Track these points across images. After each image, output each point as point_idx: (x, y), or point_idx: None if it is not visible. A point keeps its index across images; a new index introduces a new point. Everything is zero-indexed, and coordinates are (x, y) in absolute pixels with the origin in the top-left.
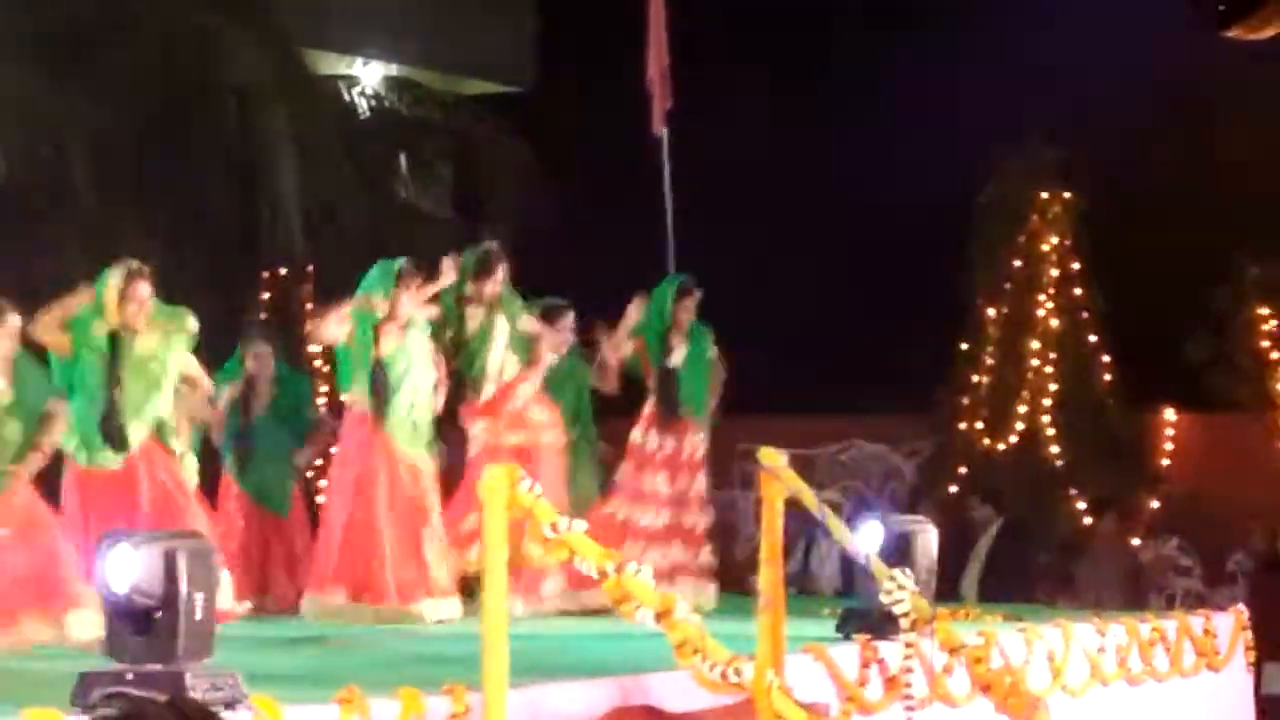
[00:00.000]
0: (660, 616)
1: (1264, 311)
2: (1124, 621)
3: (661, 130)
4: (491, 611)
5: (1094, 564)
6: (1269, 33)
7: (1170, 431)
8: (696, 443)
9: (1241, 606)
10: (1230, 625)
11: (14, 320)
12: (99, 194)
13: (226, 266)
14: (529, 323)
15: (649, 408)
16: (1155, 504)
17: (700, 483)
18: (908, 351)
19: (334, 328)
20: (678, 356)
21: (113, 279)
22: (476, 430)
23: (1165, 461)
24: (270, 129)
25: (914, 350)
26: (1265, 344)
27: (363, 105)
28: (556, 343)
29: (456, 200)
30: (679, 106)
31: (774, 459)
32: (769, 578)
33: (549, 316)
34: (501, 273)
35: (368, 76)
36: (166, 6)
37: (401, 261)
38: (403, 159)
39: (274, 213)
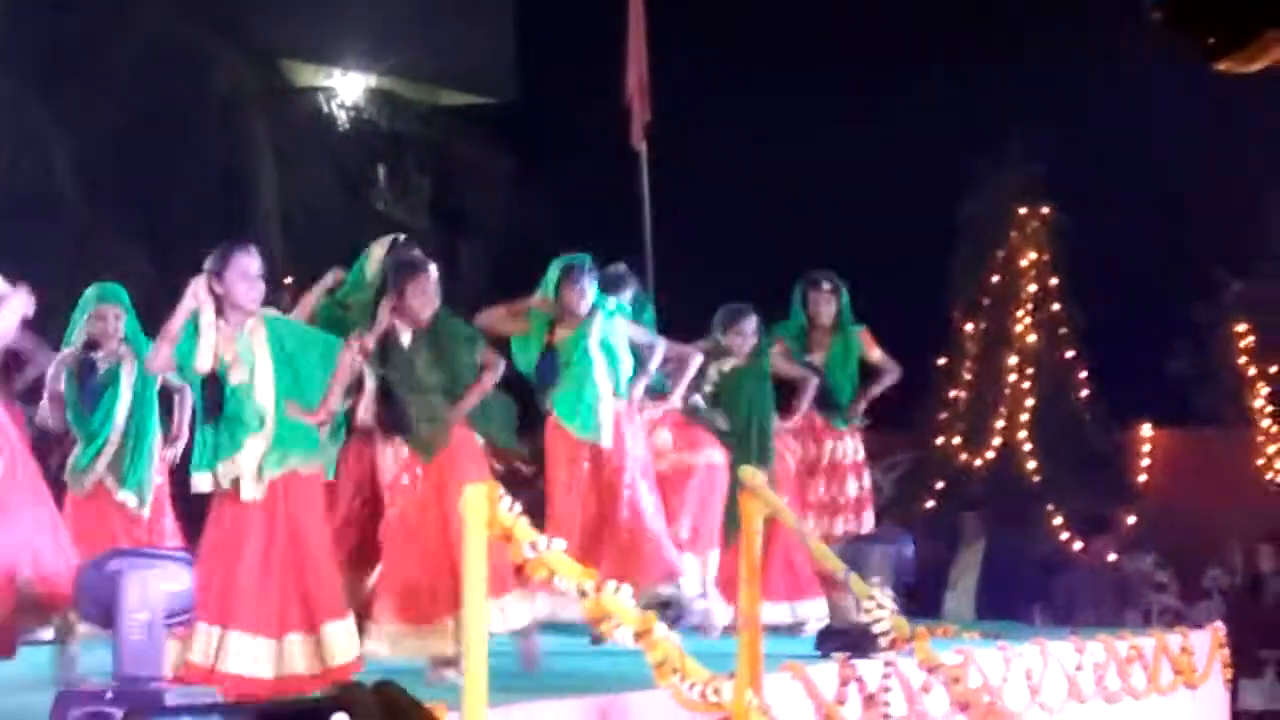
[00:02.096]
0: (639, 636)
1: (1243, 327)
2: (1101, 639)
3: (640, 144)
4: (471, 629)
5: (1081, 582)
6: (1258, 66)
7: (1147, 447)
8: (843, 448)
9: (1219, 624)
10: (1207, 643)
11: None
12: (83, 202)
13: None
14: (636, 332)
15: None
16: (1132, 519)
17: (851, 488)
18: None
19: (506, 318)
20: (819, 356)
21: (375, 251)
22: None
23: (1142, 477)
24: (250, 139)
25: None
26: (1244, 360)
27: (342, 117)
28: (738, 348)
29: (434, 211)
30: (660, 116)
31: (753, 477)
32: (748, 596)
33: (729, 321)
34: (630, 294)
35: (347, 88)
36: (150, 19)
37: (568, 259)
38: (381, 170)
39: (253, 222)
